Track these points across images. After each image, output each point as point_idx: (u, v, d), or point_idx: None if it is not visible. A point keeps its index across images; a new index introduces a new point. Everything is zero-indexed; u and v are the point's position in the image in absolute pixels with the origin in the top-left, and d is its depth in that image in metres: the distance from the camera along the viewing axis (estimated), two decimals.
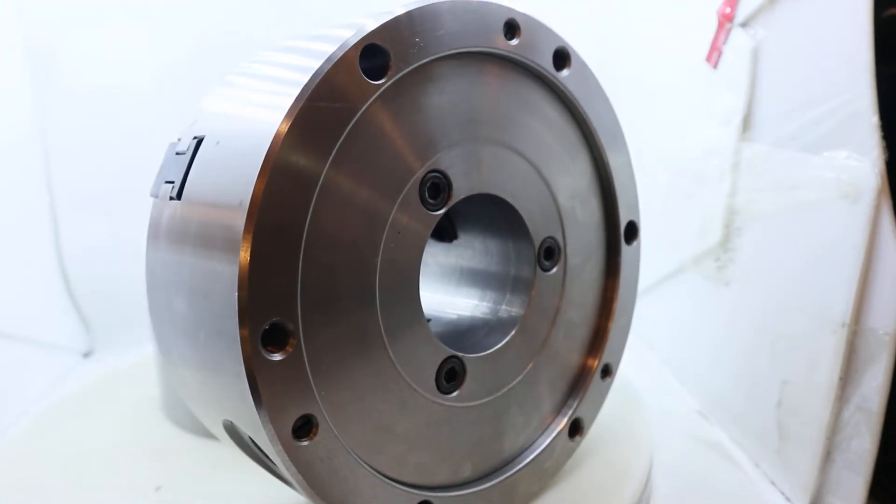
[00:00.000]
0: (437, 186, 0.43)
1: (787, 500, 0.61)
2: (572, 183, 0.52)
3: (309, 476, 0.37)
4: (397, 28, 0.38)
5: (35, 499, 0.55)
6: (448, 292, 0.56)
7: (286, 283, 0.35)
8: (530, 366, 0.51)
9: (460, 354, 0.46)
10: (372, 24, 0.37)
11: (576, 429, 0.55)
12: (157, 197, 0.42)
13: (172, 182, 0.40)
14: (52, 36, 0.95)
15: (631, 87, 0.92)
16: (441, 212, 0.43)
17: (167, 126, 0.51)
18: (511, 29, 0.45)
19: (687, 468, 0.67)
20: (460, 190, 0.44)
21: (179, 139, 0.41)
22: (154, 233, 0.41)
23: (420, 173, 0.41)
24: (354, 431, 0.40)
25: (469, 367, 0.47)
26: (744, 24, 0.72)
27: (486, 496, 0.48)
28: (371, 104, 0.38)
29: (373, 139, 0.38)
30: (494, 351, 0.48)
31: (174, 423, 0.65)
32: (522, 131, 0.48)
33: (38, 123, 0.96)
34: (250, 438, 0.39)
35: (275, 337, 0.35)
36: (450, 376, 0.46)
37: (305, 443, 0.37)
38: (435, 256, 0.57)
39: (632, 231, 0.56)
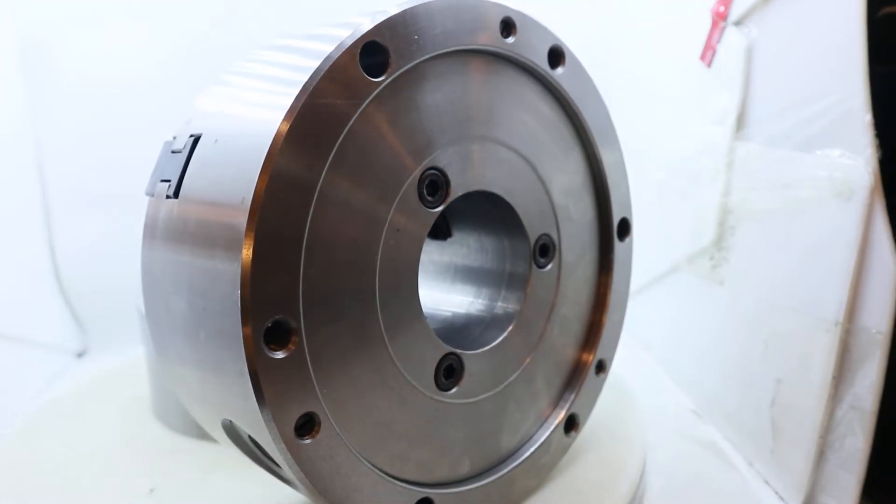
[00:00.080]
0: (435, 184, 0.44)
1: (781, 499, 0.62)
2: (566, 180, 0.53)
3: (311, 474, 0.38)
4: (396, 26, 0.39)
5: (28, 502, 0.55)
6: (443, 289, 0.57)
7: (288, 281, 0.35)
8: (527, 362, 0.52)
9: (458, 351, 0.47)
10: (370, 22, 0.38)
11: (571, 424, 0.56)
12: (152, 196, 0.42)
13: (169, 180, 0.40)
14: (46, 33, 0.95)
15: (625, 85, 0.92)
16: (439, 209, 0.44)
17: (161, 124, 0.51)
18: (507, 27, 0.46)
19: (681, 467, 0.68)
20: (458, 187, 0.45)
21: (175, 137, 0.42)
22: (150, 232, 0.41)
23: (418, 171, 0.42)
24: (355, 429, 0.40)
25: (467, 364, 0.47)
26: (738, 23, 0.72)
27: (484, 492, 0.49)
28: (370, 102, 0.38)
29: (372, 137, 0.39)
30: (492, 347, 0.49)
31: (165, 424, 0.66)
32: (518, 129, 0.49)
33: (31, 122, 0.96)
34: (250, 438, 0.39)
35: (277, 335, 0.35)
36: (448, 373, 0.46)
37: (308, 441, 0.37)
38: (429, 254, 0.58)
39: (624, 228, 0.58)
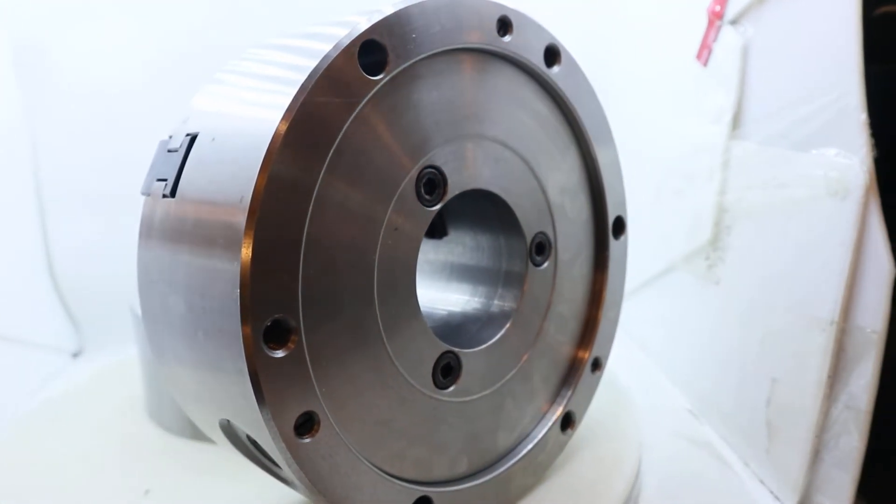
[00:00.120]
0: (432, 182, 0.44)
1: (776, 498, 0.62)
2: (562, 179, 0.54)
3: (311, 474, 0.38)
4: (395, 24, 0.39)
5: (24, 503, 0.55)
6: (439, 288, 0.57)
7: (287, 280, 0.36)
8: (524, 360, 0.53)
9: (456, 349, 0.47)
10: (369, 21, 0.38)
11: (567, 422, 0.57)
12: (148, 195, 0.42)
13: (165, 180, 0.40)
14: (40, 31, 0.95)
15: (621, 84, 0.93)
16: (437, 207, 0.44)
17: (157, 123, 0.51)
18: (504, 26, 0.47)
19: (677, 467, 0.68)
20: (455, 186, 0.45)
21: (171, 136, 0.42)
22: (146, 231, 0.41)
23: (416, 169, 0.43)
24: (354, 428, 0.41)
25: (465, 362, 0.48)
26: (733, 22, 0.73)
27: (482, 491, 0.50)
28: (368, 101, 0.39)
29: (369, 136, 0.39)
30: (489, 345, 0.50)
31: (159, 425, 0.66)
32: (514, 127, 0.49)
33: (26, 121, 0.96)
34: (248, 437, 0.39)
35: (276, 334, 0.35)
36: (446, 371, 0.47)
37: (308, 440, 0.37)
38: (425, 253, 0.58)
39: (619, 226, 0.58)
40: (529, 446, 0.54)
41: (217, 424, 0.41)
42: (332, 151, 0.37)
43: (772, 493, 0.63)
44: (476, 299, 0.55)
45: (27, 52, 0.95)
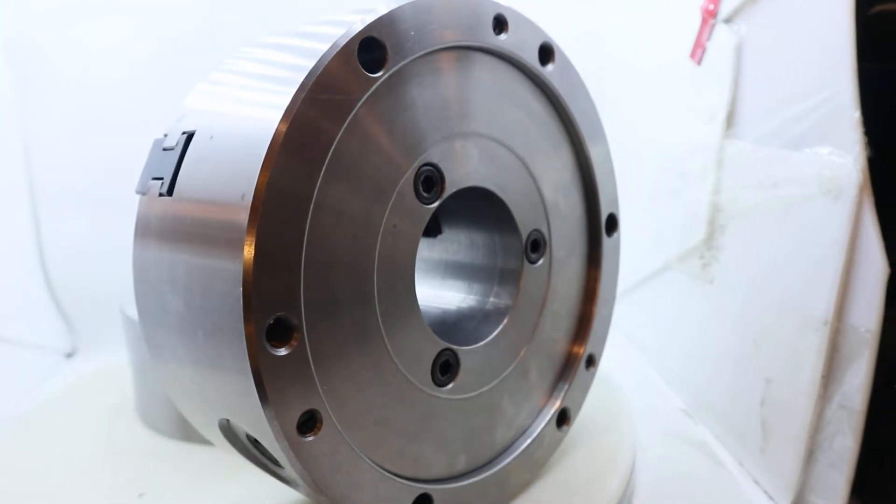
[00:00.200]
0: (430, 180, 0.45)
1: (771, 498, 0.63)
2: (556, 176, 0.55)
3: (314, 472, 0.38)
4: (393, 22, 0.40)
5: None
6: (434, 286, 0.58)
7: (289, 278, 0.36)
8: (520, 356, 0.53)
9: (454, 347, 0.48)
10: (368, 18, 0.39)
11: (563, 418, 0.58)
12: (143, 194, 0.42)
13: (161, 178, 0.40)
14: (33, 29, 0.95)
15: (615, 83, 0.94)
16: (435, 205, 0.45)
17: (151, 121, 0.52)
18: (500, 24, 0.47)
19: (671, 466, 0.69)
20: (452, 183, 0.46)
21: (166, 135, 0.42)
22: (143, 230, 0.41)
23: (414, 167, 0.43)
24: (355, 426, 0.41)
25: (463, 360, 0.49)
26: (727, 21, 0.73)
27: (481, 487, 0.51)
28: (367, 98, 0.39)
29: (368, 133, 0.40)
30: (487, 342, 0.51)
31: (150, 427, 0.66)
32: (510, 125, 0.50)
33: (18, 120, 0.96)
34: (248, 437, 0.40)
35: (279, 332, 0.36)
36: (444, 369, 0.48)
37: (310, 438, 0.38)
38: (419, 252, 0.59)
39: (612, 223, 0.60)
40: (526, 442, 0.54)
41: (216, 424, 0.41)
42: (331, 150, 0.37)
43: (766, 492, 0.64)
44: (472, 297, 0.56)
45: (21, 50, 0.95)
